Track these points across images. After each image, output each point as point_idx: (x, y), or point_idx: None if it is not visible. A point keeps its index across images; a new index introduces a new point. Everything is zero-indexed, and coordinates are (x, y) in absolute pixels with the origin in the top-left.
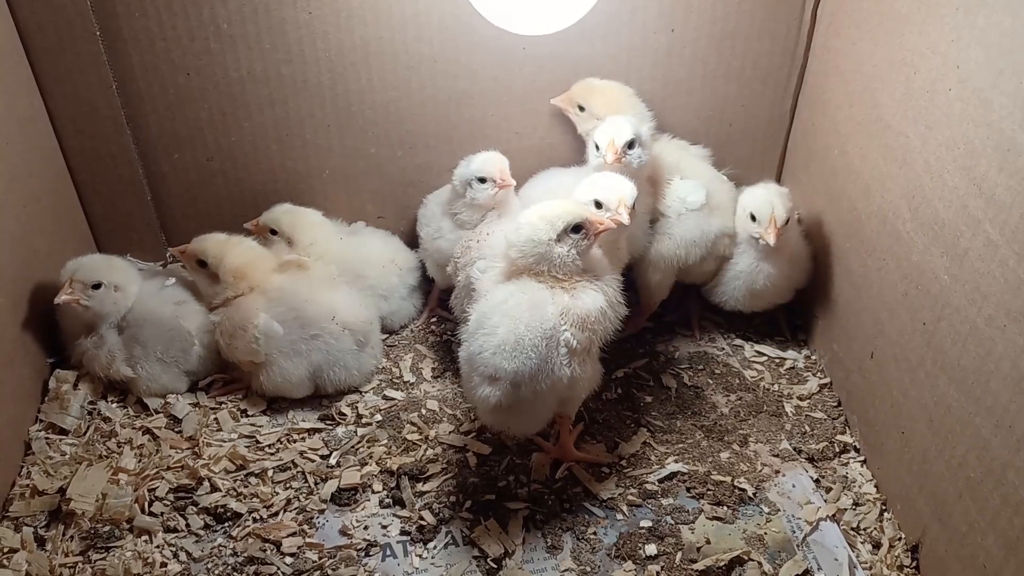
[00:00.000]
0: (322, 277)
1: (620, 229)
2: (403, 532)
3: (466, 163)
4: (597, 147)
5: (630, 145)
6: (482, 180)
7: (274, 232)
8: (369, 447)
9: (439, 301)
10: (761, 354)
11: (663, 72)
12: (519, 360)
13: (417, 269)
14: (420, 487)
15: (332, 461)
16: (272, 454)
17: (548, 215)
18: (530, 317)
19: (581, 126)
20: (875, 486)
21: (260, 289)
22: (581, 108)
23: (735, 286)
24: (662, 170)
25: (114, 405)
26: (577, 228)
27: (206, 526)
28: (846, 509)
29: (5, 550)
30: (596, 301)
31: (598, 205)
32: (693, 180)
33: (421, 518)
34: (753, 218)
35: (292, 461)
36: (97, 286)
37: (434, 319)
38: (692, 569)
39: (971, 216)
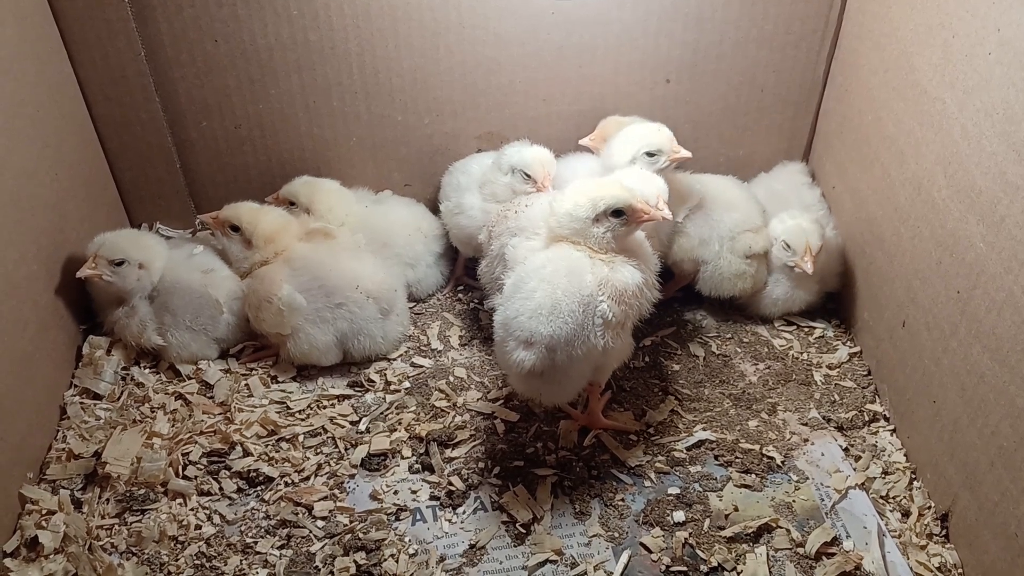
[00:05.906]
0: (346, 246)
1: (660, 224)
2: (432, 497)
3: (518, 149)
4: (649, 154)
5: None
6: (527, 175)
7: (292, 204)
8: (398, 413)
9: (465, 269)
10: (790, 323)
11: (694, 37)
12: (555, 324)
13: (443, 237)
14: (449, 453)
15: (362, 427)
16: (303, 420)
17: (593, 194)
18: (568, 283)
19: None
20: (905, 455)
21: (285, 257)
22: None
23: (772, 311)
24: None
25: (147, 371)
26: (618, 212)
27: (239, 490)
28: (875, 478)
29: (43, 512)
30: (634, 277)
31: None
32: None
33: (450, 483)
34: (787, 246)
35: (322, 427)
36: (120, 263)
37: (460, 287)
38: (720, 536)
39: (1009, 183)
